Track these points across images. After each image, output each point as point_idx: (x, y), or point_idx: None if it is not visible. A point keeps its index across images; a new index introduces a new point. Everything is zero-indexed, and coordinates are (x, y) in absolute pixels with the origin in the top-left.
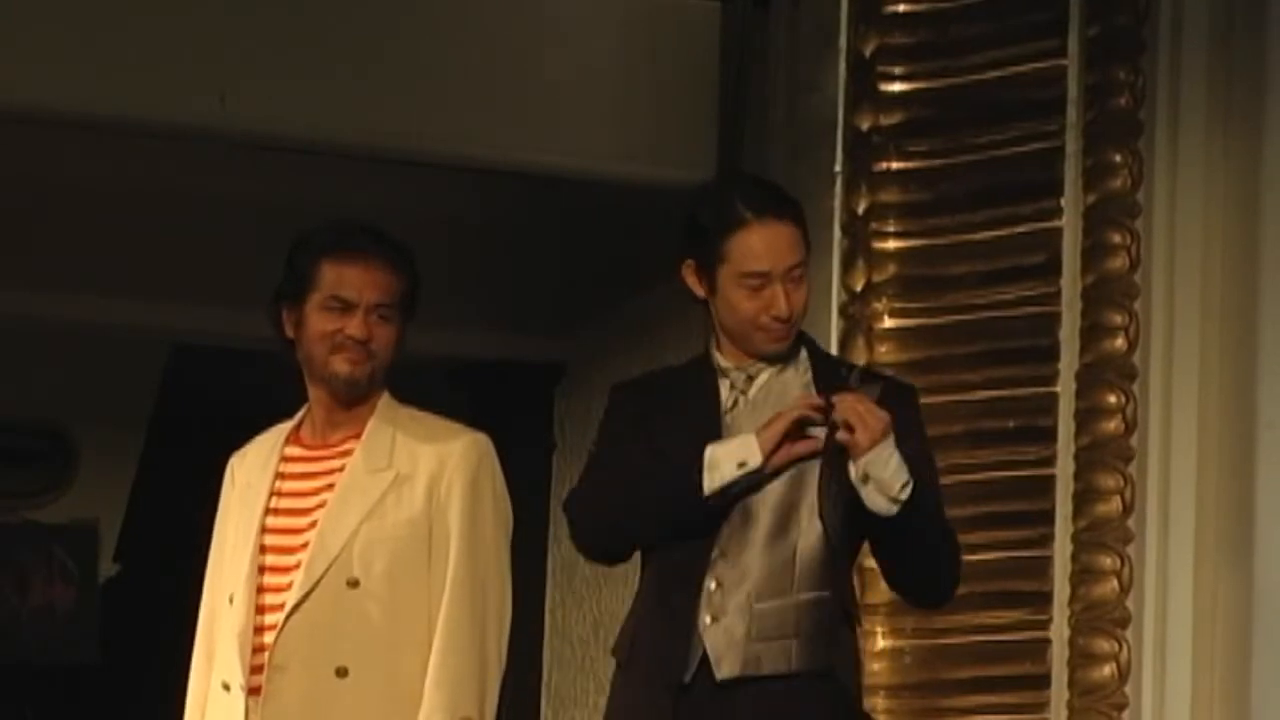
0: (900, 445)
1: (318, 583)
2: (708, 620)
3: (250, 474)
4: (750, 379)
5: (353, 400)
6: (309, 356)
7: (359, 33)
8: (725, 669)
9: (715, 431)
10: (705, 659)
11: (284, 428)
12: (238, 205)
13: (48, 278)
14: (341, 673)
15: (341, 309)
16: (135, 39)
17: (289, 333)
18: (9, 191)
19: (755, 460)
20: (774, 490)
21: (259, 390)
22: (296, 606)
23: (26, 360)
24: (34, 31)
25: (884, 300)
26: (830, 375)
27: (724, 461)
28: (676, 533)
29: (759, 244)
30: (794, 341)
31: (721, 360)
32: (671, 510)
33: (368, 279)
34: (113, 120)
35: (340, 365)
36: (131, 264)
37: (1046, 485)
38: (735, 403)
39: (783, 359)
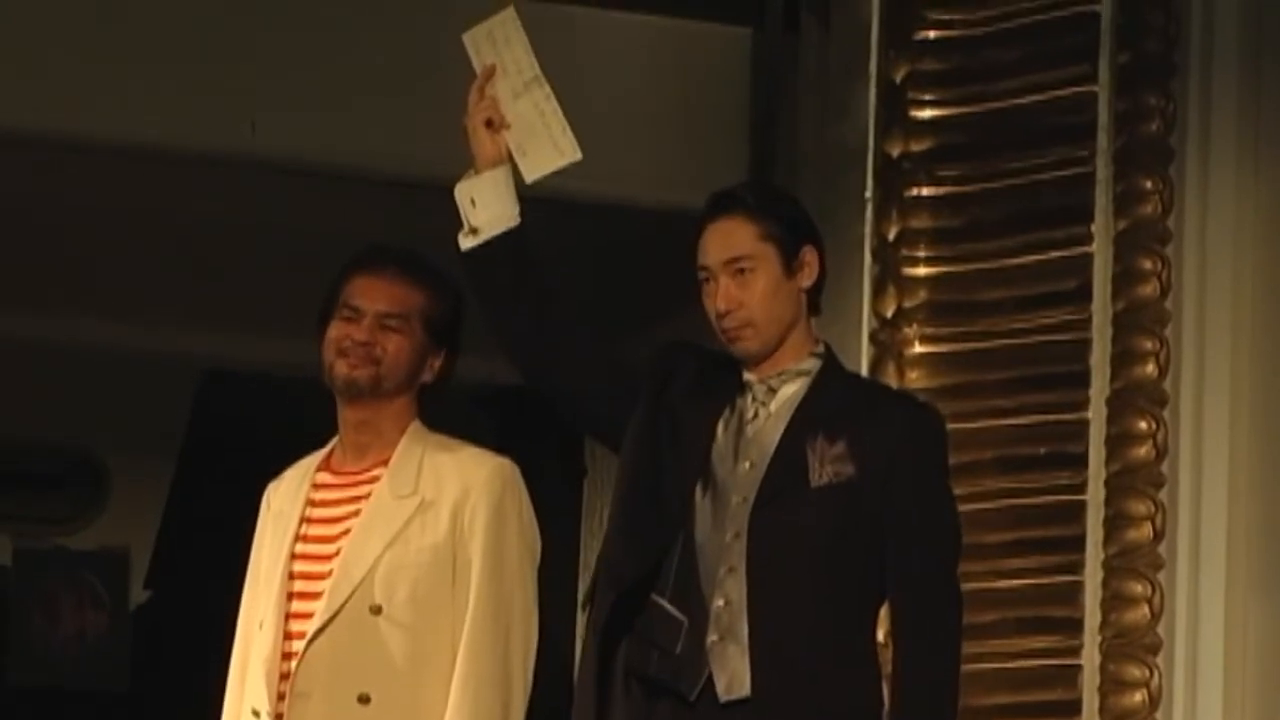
0: (911, 503)
1: (340, 609)
2: (715, 638)
3: (283, 501)
4: (772, 391)
5: (354, 397)
6: (323, 365)
7: (391, 60)
8: (729, 689)
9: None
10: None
11: (317, 455)
12: (268, 232)
13: (80, 303)
14: (364, 700)
15: (352, 316)
16: (167, 68)
17: None
18: (42, 218)
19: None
20: None
21: (290, 417)
22: (319, 633)
23: (58, 386)
24: (67, 61)
25: (914, 326)
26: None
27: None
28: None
29: (703, 241)
30: (825, 358)
31: (745, 373)
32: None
33: (379, 289)
34: (144, 148)
35: (341, 366)
36: (163, 290)
37: (1077, 511)
38: (755, 414)
39: (805, 373)
